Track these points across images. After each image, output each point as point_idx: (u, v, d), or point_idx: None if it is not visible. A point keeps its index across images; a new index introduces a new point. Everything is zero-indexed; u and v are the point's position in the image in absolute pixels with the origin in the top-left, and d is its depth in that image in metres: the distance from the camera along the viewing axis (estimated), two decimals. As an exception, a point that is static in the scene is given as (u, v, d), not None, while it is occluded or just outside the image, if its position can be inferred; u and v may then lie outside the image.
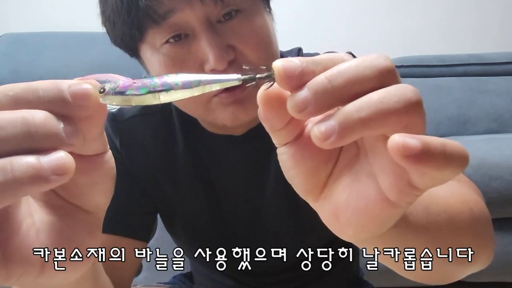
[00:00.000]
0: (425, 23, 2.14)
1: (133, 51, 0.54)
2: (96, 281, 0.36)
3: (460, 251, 0.35)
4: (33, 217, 0.25)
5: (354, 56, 0.71)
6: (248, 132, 0.61)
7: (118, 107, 0.24)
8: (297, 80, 0.22)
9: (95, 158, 0.27)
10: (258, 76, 0.24)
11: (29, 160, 0.20)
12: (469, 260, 0.36)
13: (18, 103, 0.21)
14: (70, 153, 0.21)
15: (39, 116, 0.20)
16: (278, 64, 0.22)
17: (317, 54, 0.70)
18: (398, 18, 2.15)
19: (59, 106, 0.21)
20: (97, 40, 1.90)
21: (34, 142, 0.20)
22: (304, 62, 0.23)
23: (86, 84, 0.22)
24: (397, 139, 0.20)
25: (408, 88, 0.22)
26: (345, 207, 0.25)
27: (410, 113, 0.22)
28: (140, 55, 0.54)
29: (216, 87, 0.25)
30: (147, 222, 0.64)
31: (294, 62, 0.22)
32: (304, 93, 0.22)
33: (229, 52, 0.49)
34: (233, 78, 0.25)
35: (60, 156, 0.20)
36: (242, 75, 0.25)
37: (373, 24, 2.15)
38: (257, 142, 0.62)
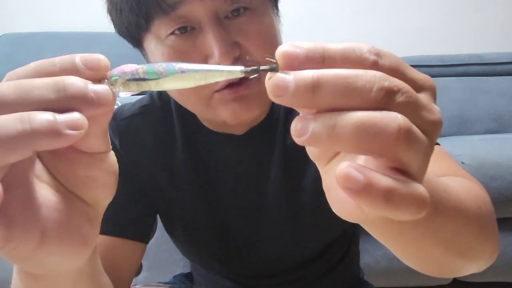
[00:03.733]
0: (425, 23, 2.14)
1: (137, 41, 0.54)
2: (94, 281, 0.36)
3: (463, 244, 0.35)
4: (38, 192, 0.25)
5: None
6: (249, 131, 0.61)
7: (125, 92, 0.25)
8: (299, 69, 0.21)
9: (96, 155, 0.28)
10: (262, 68, 0.23)
11: (46, 114, 0.21)
12: (472, 254, 0.37)
13: (36, 71, 0.24)
14: (71, 147, 0.23)
15: (70, 79, 0.23)
16: (280, 50, 0.21)
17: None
18: (398, 18, 2.15)
19: (72, 72, 0.23)
20: (97, 40, 1.90)
21: (64, 102, 0.22)
22: (310, 49, 0.21)
23: (96, 54, 0.24)
24: (342, 168, 0.20)
25: (396, 122, 0.20)
26: (335, 186, 0.25)
27: (391, 149, 0.20)
28: (144, 46, 0.54)
29: (220, 78, 0.24)
30: (146, 223, 0.64)
31: (298, 49, 0.21)
32: (286, 80, 0.20)
33: (235, 48, 0.49)
34: (236, 69, 0.24)
35: (74, 114, 0.22)
36: (244, 68, 0.24)
37: (374, 24, 2.15)
38: (257, 142, 0.62)
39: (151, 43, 0.52)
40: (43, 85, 0.22)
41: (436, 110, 0.22)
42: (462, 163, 1.25)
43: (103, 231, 0.58)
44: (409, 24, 2.14)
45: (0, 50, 1.86)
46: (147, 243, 0.64)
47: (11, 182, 0.24)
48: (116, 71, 0.25)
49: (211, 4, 0.47)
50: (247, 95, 0.51)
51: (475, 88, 1.88)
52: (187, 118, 0.61)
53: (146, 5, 0.47)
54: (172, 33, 0.49)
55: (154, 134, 0.63)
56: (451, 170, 0.49)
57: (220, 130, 0.61)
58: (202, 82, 0.24)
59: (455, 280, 1.34)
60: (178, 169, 0.63)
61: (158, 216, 0.68)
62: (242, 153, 0.63)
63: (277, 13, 0.56)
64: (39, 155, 0.27)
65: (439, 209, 0.29)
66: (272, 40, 0.52)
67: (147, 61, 0.57)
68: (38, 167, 0.27)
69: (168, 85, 0.24)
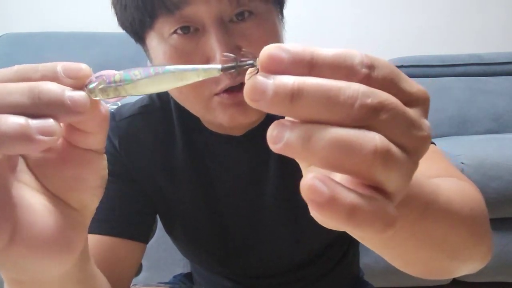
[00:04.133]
0: (425, 23, 2.14)
1: (140, 37, 0.54)
2: (86, 286, 0.35)
3: (453, 246, 0.35)
4: (14, 192, 0.25)
5: None
6: (248, 132, 0.61)
7: (107, 100, 0.25)
8: (284, 73, 0.19)
9: (87, 153, 0.27)
10: (238, 64, 0.22)
11: (17, 118, 0.21)
12: (462, 256, 0.37)
13: (18, 75, 0.24)
14: (65, 141, 0.23)
15: (46, 85, 0.23)
16: (265, 51, 0.20)
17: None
18: (398, 18, 2.15)
19: (53, 79, 0.23)
20: (97, 40, 1.90)
21: (39, 108, 0.22)
22: (298, 54, 0.19)
23: (79, 64, 0.24)
24: (308, 178, 0.19)
25: (373, 143, 0.19)
26: None
27: (365, 169, 0.19)
28: (146, 42, 0.54)
29: (197, 78, 0.23)
30: (146, 223, 0.64)
31: (284, 52, 0.19)
32: (264, 84, 0.19)
33: (237, 53, 0.48)
34: (213, 67, 0.23)
35: (48, 120, 0.22)
36: (221, 65, 0.23)
37: (374, 24, 2.15)
38: (257, 142, 0.62)
39: (153, 41, 0.52)
40: (18, 90, 0.22)
41: (425, 126, 0.22)
42: (462, 163, 1.25)
43: (103, 231, 0.58)
44: (409, 24, 2.14)
45: (0, 50, 1.86)
46: (147, 243, 0.64)
47: None
48: (94, 77, 0.24)
49: (216, 6, 0.47)
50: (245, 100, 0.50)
51: (475, 88, 1.88)
52: (187, 118, 0.61)
53: (152, 3, 0.47)
54: (175, 32, 0.49)
55: (154, 134, 0.63)
56: (445, 171, 0.49)
57: (219, 131, 0.61)
58: (180, 84, 0.23)
59: (454, 280, 1.34)
60: (178, 169, 0.63)
61: (158, 216, 0.68)
62: (242, 154, 0.63)
63: (282, 19, 0.56)
64: (24, 156, 0.27)
65: (426, 212, 0.29)
66: None
67: (149, 57, 0.57)
68: (22, 169, 0.27)
69: (145, 89, 0.24)
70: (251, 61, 0.21)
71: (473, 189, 0.44)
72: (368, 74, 0.20)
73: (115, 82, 0.24)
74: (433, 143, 0.56)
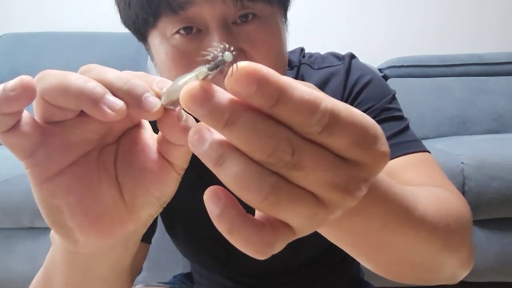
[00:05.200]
0: (425, 23, 2.14)
1: (142, 35, 0.54)
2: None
3: (421, 255, 0.37)
4: (80, 150, 0.28)
5: (353, 57, 0.69)
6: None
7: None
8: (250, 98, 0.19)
9: (167, 169, 0.30)
10: (208, 66, 0.21)
11: (101, 88, 0.24)
12: (433, 267, 0.39)
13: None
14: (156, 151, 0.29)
15: (135, 82, 0.26)
16: (242, 69, 0.19)
17: (318, 53, 0.70)
18: (398, 18, 2.15)
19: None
20: (97, 40, 1.90)
21: (123, 93, 0.25)
22: (268, 84, 0.18)
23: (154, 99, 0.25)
24: (209, 191, 0.22)
25: (264, 192, 0.20)
26: None
27: (259, 208, 0.20)
28: (148, 41, 0.54)
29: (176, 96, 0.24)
30: (149, 223, 0.64)
31: (257, 77, 0.18)
32: (205, 98, 0.19)
33: (240, 55, 0.49)
34: (201, 70, 0.22)
35: (118, 101, 0.25)
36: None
37: (374, 24, 2.15)
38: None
39: (156, 40, 0.52)
40: (130, 76, 0.26)
41: (355, 188, 0.21)
42: (462, 163, 1.25)
43: None
44: (409, 24, 2.14)
45: (0, 50, 1.86)
46: (150, 243, 0.64)
47: (69, 127, 0.26)
48: None
49: (220, 8, 0.47)
50: None
51: (475, 88, 1.88)
52: (187, 117, 0.61)
53: (156, 3, 0.47)
54: (178, 32, 0.49)
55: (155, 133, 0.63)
56: (432, 179, 0.49)
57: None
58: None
59: (455, 280, 1.34)
60: (178, 169, 0.63)
61: (159, 216, 0.68)
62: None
63: (285, 22, 0.56)
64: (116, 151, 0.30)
65: (389, 227, 0.31)
66: (277, 51, 0.52)
67: (150, 56, 0.56)
68: (107, 161, 0.29)
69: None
70: (221, 59, 0.20)
71: (457, 201, 0.44)
72: (322, 132, 0.19)
73: None
74: (427, 151, 0.56)
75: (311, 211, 0.21)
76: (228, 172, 0.20)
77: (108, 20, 0.56)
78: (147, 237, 0.63)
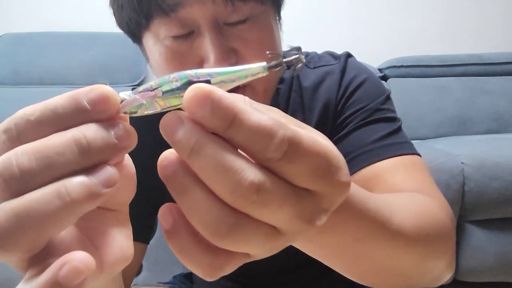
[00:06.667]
0: (425, 23, 2.14)
1: (136, 37, 0.54)
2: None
3: (398, 264, 0.37)
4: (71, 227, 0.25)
5: (350, 56, 0.69)
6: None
7: (134, 115, 0.23)
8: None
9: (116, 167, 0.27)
10: (285, 60, 0.21)
11: (82, 179, 0.20)
12: (412, 274, 0.39)
13: (41, 125, 0.21)
14: None
15: (90, 132, 0.20)
16: (190, 94, 0.19)
17: (314, 53, 0.70)
18: (398, 18, 2.15)
19: (81, 117, 0.21)
20: (97, 40, 1.90)
21: (91, 159, 0.20)
22: (221, 108, 0.19)
23: (101, 87, 0.21)
24: (164, 208, 0.23)
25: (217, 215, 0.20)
26: None
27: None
28: (143, 42, 0.54)
29: (244, 80, 0.22)
30: (147, 223, 0.64)
31: (209, 101, 0.19)
32: (178, 127, 0.20)
33: (231, 55, 0.49)
34: (259, 66, 0.21)
35: (107, 170, 0.21)
36: (267, 63, 0.21)
37: (373, 24, 2.15)
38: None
39: (149, 41, 0.52)
40: (66, 149, 0.20)
41: (313, 226, 0.21)
42: (462, 163, 1.25)
43: None
44: (409, 24, 2.14)
45: (0, 50, 1.86)
46: (148, 243, 0.64)
47: None
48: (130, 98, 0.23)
49: (211, 9, 0.47)
50: None
51: (475, 88, 1.88)
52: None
53: (148, 5, 0.48)
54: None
55: (154, 133, 0.63)
56: (418, 184, 0.49)
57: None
58: (229, 87, 0.22)
59: (455, 280, 1.34)
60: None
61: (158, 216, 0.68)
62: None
63: (279, 21, 0.56)
64: None
65: (360, 243, 0.32)
66: (270, 48, 0.52)
67: (145, 57, 0.57)
68: None
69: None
70: (297, 56, 0.20)
71: (437, 209, 0.44)
72: (281, 159, 0.19)
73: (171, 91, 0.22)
74: (418, 154, 0.56)
75: (270, 244, 0.21)
76: (187, 205, 0.20)
77: (108, 20, 0.56)
78: (145, 237, 0.63)
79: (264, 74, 0.22)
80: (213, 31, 0.48)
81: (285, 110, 0.63)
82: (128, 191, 0.28)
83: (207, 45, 0.48)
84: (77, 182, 0.20)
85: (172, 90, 0.22)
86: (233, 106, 0.19)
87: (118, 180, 0.21)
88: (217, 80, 0.21)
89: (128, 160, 0.28)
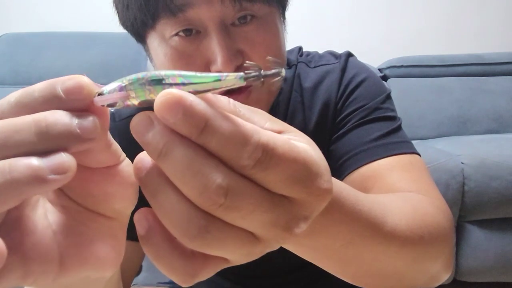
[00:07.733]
0: (425, 23, 2.14)
1: (141, 37, 0.54)
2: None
3: (391, 267, 0.37)
4: (48, 219, 0.24)
5: (350, 55, 0.69)
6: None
7: (114, 108, 0.23)
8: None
9: (107, 170, 0.25)
10: (263, 73, 0.21)
11: (27, 160, 0.19)
12: (406, 276, 0.39)
13: (18, 107, 0.21)
14: (78, 165, 0.21)
15: (53, 117, 0.20)
16: (161, 99, 0.19)
17: (315, 52, 0.70)
18: (398, 18, 2.15)
19: (55, 103, 0.21)
20: (97, 40, 1.90)
21: (48, 143, 0.20)
22: (192, 114, 0.19)
23: (78, 77, 0.21)
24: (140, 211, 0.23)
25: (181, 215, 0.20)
26: None
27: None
28: (147, 42, 0.54)
29: (219, 88, 0.22)
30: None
31: (181, 106, 0.19)
32: (145, 130, 0.20)
33: (238, 56, 0.48)
34: (237, 76, 0.21)
35: (59, 156, 0.20)
36: (245, 74, 0.21)
37: (373, 24, 2.15)
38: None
39: (155, 41, 0.52)
40: (24, 127, 0.20)
41: (292, 234, 0.21)
42: (462, 163, 1.25)
43: None
44: (409, 24, 2.14)
45: (0, 50, 1.86)
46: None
47: (16, 220, 0.23)
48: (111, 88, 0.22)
49: (218, 10, 0.47)
50: (247, 103, 0.50)
51: (475, 88, 1.88)
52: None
53: (155, 5, 0.47)
54: (177, 34, 0.49)
55: None
56: (415, 184, 0.49)
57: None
58: (202, 92, 0.22)
59: (455, 280, 1.34)
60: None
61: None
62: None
63: (284, 22, 0.56)
64: None
65: (352, 245, 0.31)
66: (276, 51, 0.52)
67: (149, 57, 0.56)
68: (51, 192, 0.26)
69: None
70: (277, 70, 0.20)
71: (434, 210, 0.44)
72: (255, 167, 0.19)
73: (148, 82, 0.22)
74: (417, 153, 0.55)
75: (246, 250, 0.21)
76: (159, 206, 0.20)
77: (108, 20, 0.56)
78: None
79: (242, 85, 0.21)
80: (220, 33, 0.47)
81: (286, 109, 0.63)
82: (124, 199, 0.26)
83: (215, 47, 0.47)
84: (23, 162, 0.19)
85: (142, 86, 0.22)
86: (204, 112, 0.19)
87: (73, 169, 0.20)
88: (189, 88, 0.21)
89: (127, 166, 0.26)
